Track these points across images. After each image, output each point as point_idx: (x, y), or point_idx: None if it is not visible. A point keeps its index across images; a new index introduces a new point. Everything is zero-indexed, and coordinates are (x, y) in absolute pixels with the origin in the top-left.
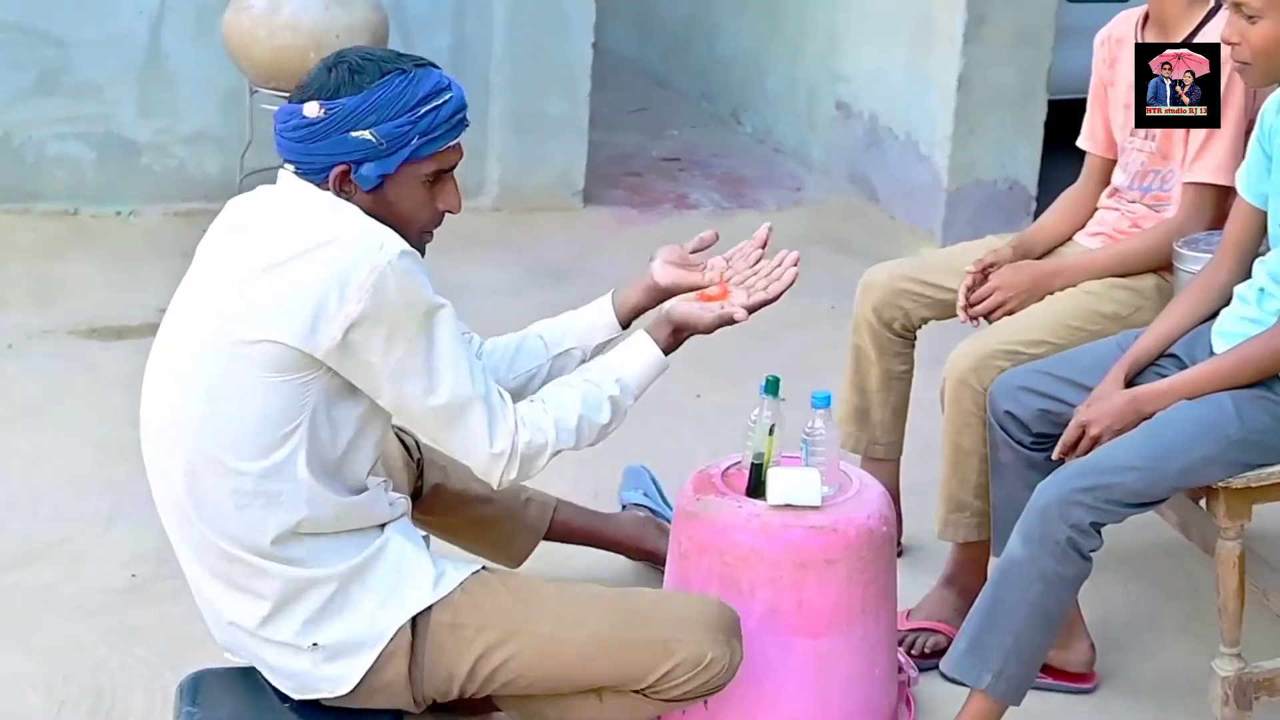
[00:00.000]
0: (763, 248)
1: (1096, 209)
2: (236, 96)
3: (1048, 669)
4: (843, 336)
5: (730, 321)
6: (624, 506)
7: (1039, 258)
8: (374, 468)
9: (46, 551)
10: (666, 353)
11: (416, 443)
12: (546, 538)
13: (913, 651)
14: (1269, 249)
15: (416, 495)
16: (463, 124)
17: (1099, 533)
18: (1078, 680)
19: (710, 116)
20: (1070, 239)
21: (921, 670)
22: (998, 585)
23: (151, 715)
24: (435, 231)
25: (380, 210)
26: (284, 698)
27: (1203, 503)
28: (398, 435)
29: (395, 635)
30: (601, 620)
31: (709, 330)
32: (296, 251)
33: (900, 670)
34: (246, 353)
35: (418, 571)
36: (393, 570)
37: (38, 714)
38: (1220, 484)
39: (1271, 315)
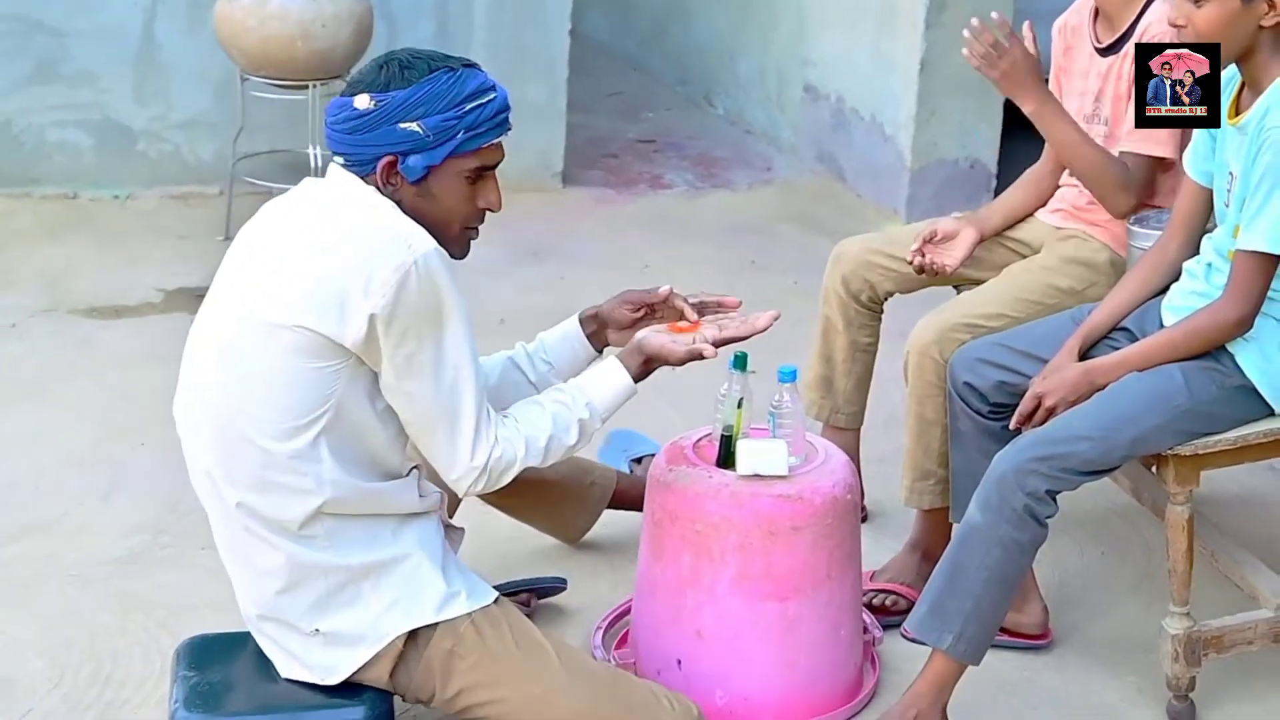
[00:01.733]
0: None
1: (1059, 186)
2: (228, 84)
3: (1003, 629)
4: (810, 312)
5: (699, 357)
6: (629, 465)
7: (999, 233)
8: (407, 455)
9: (48, 523)
10: (636, 380)
11: None
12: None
13: (874, 605)
14: (1216, 225)
15: None
16: (505, 124)
17: (1054, 500)
18: (1032, 639)
19: (684, 100)
20: (1031, 216)
21: (884, 627)
22: (957, 551)
23: (149, 679)
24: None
25: (423, 204)
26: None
27: (1154, 469)
28: None
29: (392, 640)
30: (589, 701)
31: (679, 363)
32: (329, 242)
33: (865, 631)
34: (279, 336)
35: (429, 587)
36: (406, 580)
37: (41, 678)
38: (1170, 452)
39: (1219, 290)
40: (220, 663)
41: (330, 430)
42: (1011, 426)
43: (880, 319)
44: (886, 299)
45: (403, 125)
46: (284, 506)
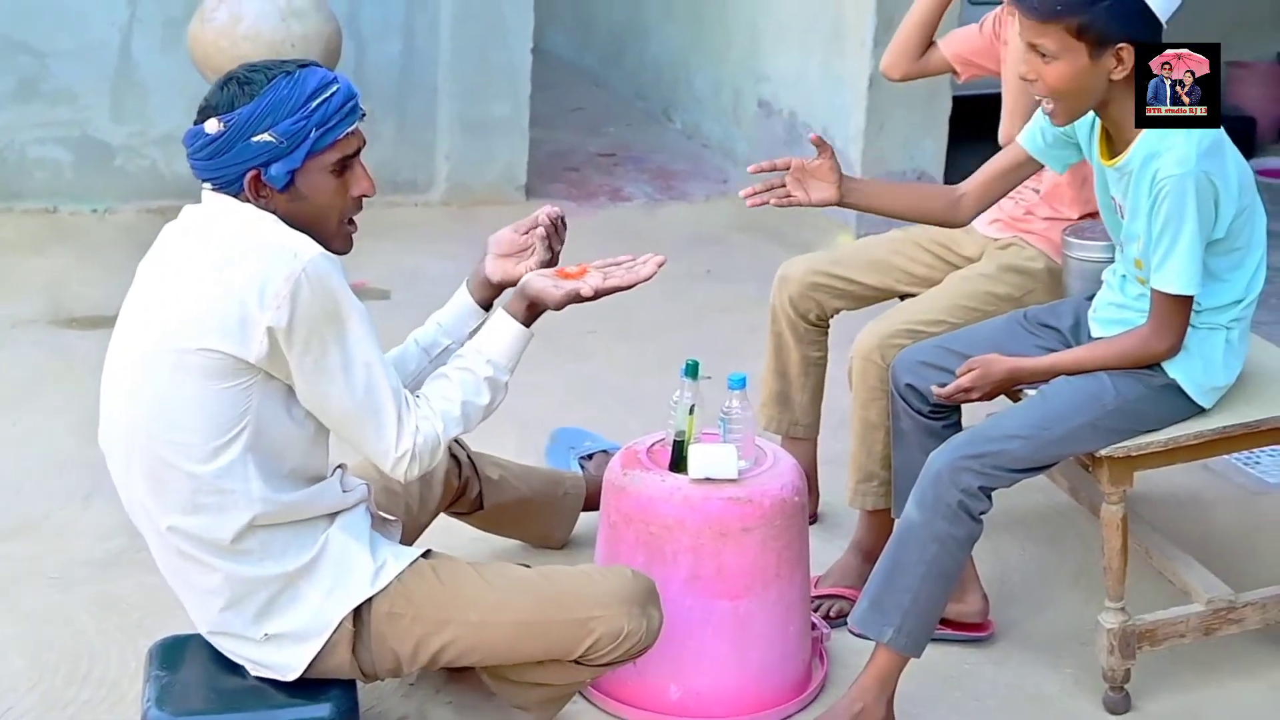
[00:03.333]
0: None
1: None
2: None
3: (945, 621)
4: (763, 319)
5: (577, 297)
6: (582, 465)
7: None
8: (363, 471)
9: (30, 526)
10: (526, 325)
11: (469, 456)
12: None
13: (819, 614)
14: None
15: (460, 496)
16: (355, 111)
17: (988, 496)
18: (974, 630)
19: (643, 115)
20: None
21: (832, 628)
22: (896, 547)
23: (125, 678)
24: (359, 219)
25: (297, 207)
26: None
27: (1090, 470)
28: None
29: (339, 626)
30: (525, 606)
31: (558, 306)
32: (217, 263)
33: (814, 628)
34: (187, 361)
35: (359, 566)
36: (336, 565)
37: (21, 677)
38: (1104, 453)
39: (1134, 300)
40: (192, 663)
41: (252, 446)
42: (936, 396)
43: (828, 333)
44: (834, 315)
45: (255, 139)
46: (215, 526)
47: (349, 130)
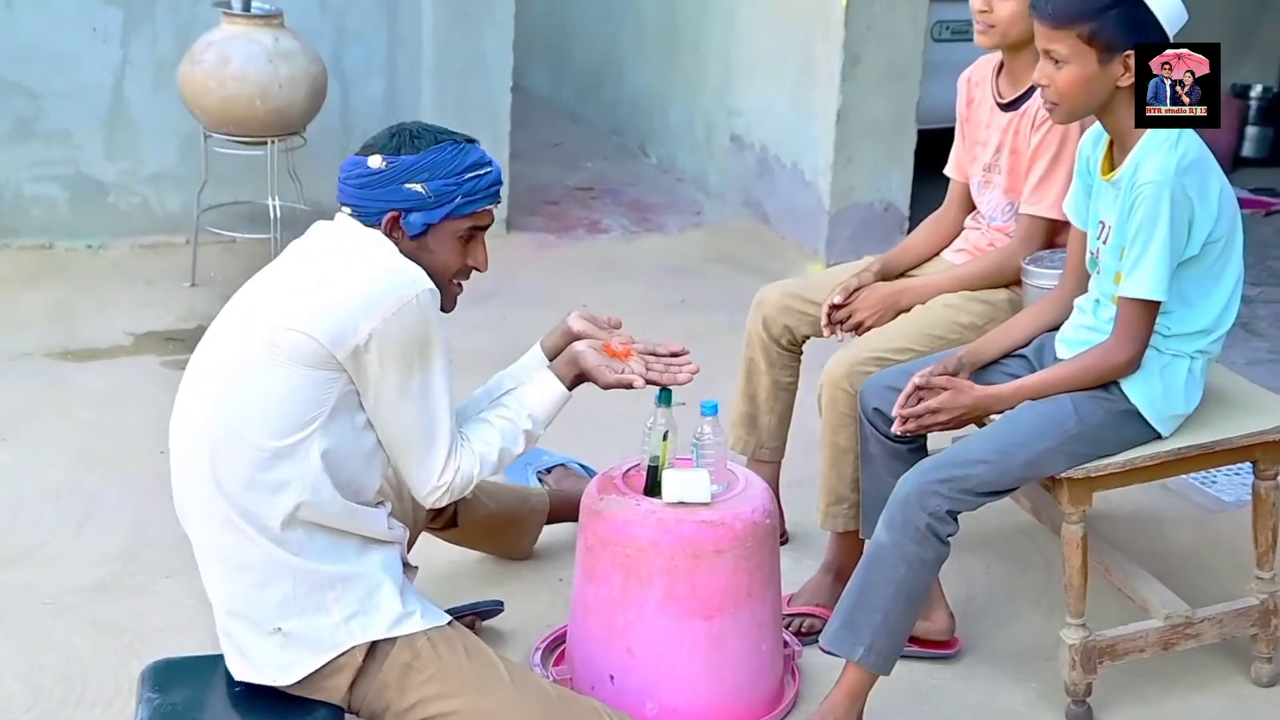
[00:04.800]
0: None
1: (963, 229)
2: (192, 140)
3: (913, 639)
4: (736, 347)
5: (628, 386)
6: (540, 479)
7: (901, 275)
8: (382, 490)
9: (25, 553)
10: (569, 390)
11: None
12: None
13: (791, 631)
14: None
15: (438, 514)
16: (497, 195)
17: (955, 519)
18: (941, 647)
19: (619, 149)
20: (936, 256)
21: (804, 645)
22: (867, 568)
23: (118, 700)
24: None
25: (420, 256)
26: (234, 684)
27: (1051, 491)
28: None
29: (348, 652)
30: (534, 713)
31: (605, 387)
32: (340, 268)
33: (786, 645)
34: (286, 340)
35: (387, 605)
36: (366, 597)
37: (16, 700)
38: (1064, 475)
39: (1105, 323)
40: (182, 685)
41: (323, 436)
42: (894, 414)
43: (800, 359)
44: (804, 341)
45: (408, 185)
46: (264, 503)
47: (487, 208)
